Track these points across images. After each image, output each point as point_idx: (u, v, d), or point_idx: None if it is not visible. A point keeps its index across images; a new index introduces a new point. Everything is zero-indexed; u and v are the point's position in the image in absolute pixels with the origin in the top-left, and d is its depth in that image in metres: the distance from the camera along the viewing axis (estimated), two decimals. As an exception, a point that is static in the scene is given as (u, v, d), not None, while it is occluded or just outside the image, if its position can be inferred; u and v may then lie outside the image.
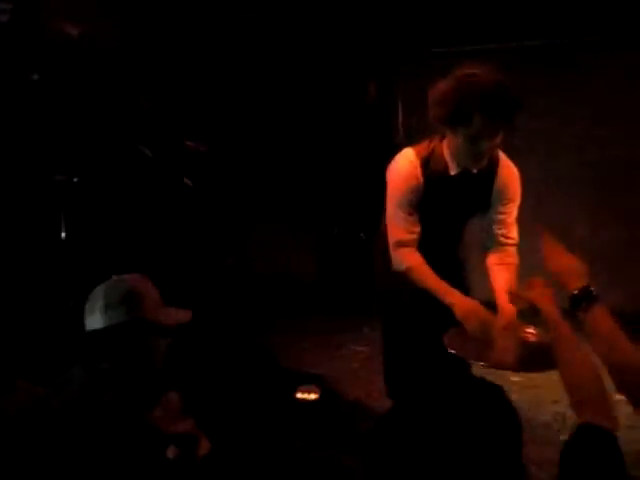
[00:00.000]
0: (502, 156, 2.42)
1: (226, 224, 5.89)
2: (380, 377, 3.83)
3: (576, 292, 1.51)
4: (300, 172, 5.93)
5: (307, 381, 2.94)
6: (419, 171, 2.33)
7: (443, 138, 2.36)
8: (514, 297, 2.02)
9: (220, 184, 5.85)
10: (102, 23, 4.49)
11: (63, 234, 4.06)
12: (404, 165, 2.36)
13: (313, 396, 2.71)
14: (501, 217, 2.43)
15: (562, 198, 5.20)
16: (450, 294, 2.24)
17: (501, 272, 2.39)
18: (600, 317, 1.45)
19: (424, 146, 2.40)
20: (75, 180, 4.07)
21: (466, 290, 2.43)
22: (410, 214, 2.35)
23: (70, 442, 1.49)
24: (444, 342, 2.08)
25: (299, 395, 2.62)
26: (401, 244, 2.36)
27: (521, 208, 2.51)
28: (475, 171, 2.31)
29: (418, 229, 2.38)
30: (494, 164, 2.39)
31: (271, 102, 5.84)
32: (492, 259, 2.44)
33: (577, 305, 1.51)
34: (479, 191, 2.41)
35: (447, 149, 2.32)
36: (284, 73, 5.75)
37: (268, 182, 5.99)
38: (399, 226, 2.36)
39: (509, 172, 2.42)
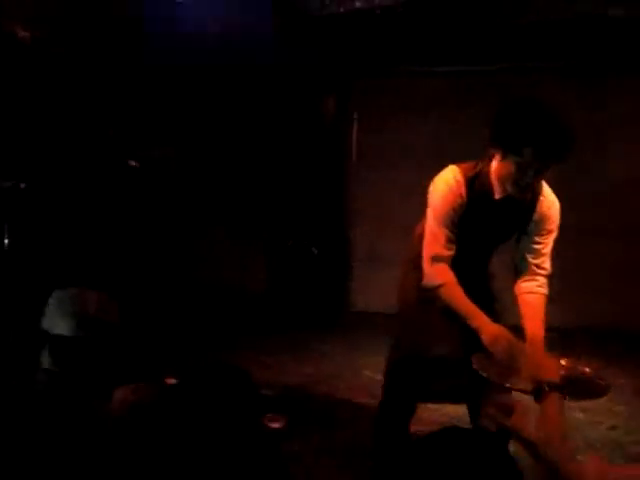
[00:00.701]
0: (545, 186, 2.42)
1: (177, 234, 5.82)
2: (327, 390, 3.87)
3: (546, 385, 1.60)
4: (256, 184, 5.93)
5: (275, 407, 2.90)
6: (464, 190, 2.34)
7: (491, 160, 2.35)
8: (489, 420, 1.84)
9: (174, 194, 5.79)
10: (59, 26, 4.40)
11: (6, 241, 3.93)
12: (450, 181, 2.35)
13: (278, 425, 2.66)
14: (537, 247, 2.42)
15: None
16: (479, 318, 2.21)
17: (531, 301, 2.38)
18: (551, 405, 1.53)
19: (471, 166, 2.41)
20: (22, 186, 3.95)
21: (493, 313, 2.38)
22: (450, 231, 2.34)
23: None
24: (472, 362, 2.06)
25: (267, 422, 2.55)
26: (437, 259, 2.34)
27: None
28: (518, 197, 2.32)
29: (455, 247, 2.36)
30: (537, 193, 2.39)
31: (228, 115, 5.83)
32: (523, 287, 2.42)
33: (539, 394, 1.62)
34: (518, 218, 2.42)
35: (494, 173, 2.33)
36: (242, 87, 5.75)
37: (223, 193, 5.95)
38: (438, 241, 2.34)
39: (550, 203, 2.42)
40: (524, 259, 2.44)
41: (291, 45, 5.49)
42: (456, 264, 2.36)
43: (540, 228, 2.41)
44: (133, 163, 5.18)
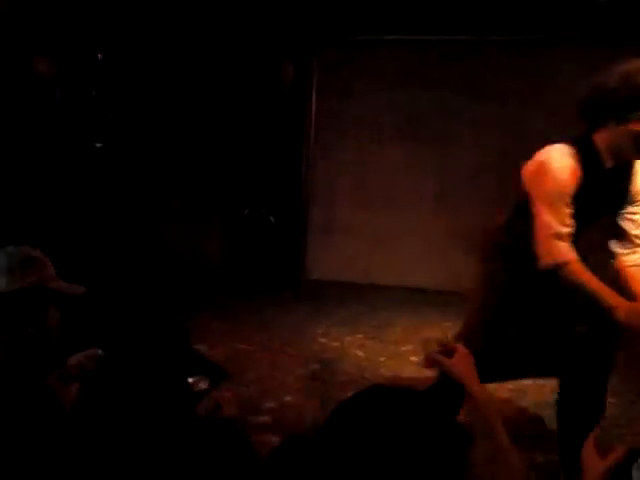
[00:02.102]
0: None
1: (134, 203, 5.70)
2: (279, 358, 3.88)
3: None
4: (212, 151, 5.83)
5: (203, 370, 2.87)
6: (577, 164, 2.31)
7: (592, 132, 2.33)
8: (429, 359, 1.79)
9: (130, 164, 5.65)
10: None
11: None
12: (563, 158, 2.31)
13: (203, 386, 2.63)
14: (637, 217, 2.41)
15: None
16: (612, 296, 2.17)
17: (637, 275, 2.35)
18: None
19: (572, 142, 2.37)
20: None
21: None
22: (569, 208, 2.31)
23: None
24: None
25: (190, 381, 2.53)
26: (559, 237, 2.29)
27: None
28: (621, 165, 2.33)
29: (573, 224, 2.32)
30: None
31: (185, 81, 5.68)
32: (626, 261, 2.40)
33: None
34: (623, 187, 2.41)
35: (604, 142, 2.31)
36: (199, 52, 5.60)
37: (178, 161, 5.84)
38: (557, 219, 2.30)
39: None
40: (625, 230, 2.43)
41: (250, 10, 5.37)
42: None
43: None
44: (98, 145, 5.07)
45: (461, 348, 1.40)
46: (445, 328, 4.55)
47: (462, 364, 1.35)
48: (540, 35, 5.16)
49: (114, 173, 5.56)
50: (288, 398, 3.29)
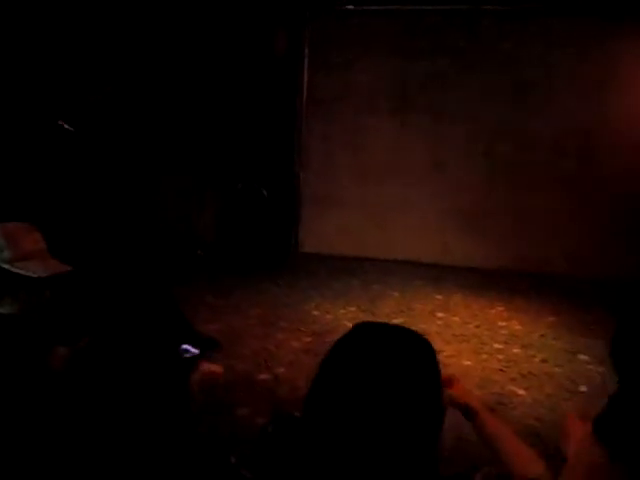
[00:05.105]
0: None
1: (128, 179, 5.65)
2: (273, 331, 3.90)
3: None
4: (205, 125, 5.77)
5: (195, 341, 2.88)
6: None
7: None
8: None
9: (125, 139, 5.59)
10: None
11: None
12: None
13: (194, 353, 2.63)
14: None
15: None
16: None
17: None
18: None
19: None
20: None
21: None
22: None
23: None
24: None
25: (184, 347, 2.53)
26: None
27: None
28: None
29: None
30: None
31: (177, 55, 5.60)
32: None
33: None
34: None
35: None
36: (191, 24, 5.51)
37: (170, 135, 5.78)
38: None
39: None
40: None
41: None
42: None
43: None
44: (66, 126, 5.01)
45: (454, 377, 1.48)
46: (437, 301, 4.60)
47: (461, 389, 1.46)
48: (535, 4, 5.11)
49: (108, 149, 5.51)
50: (282, 370, 3.32)
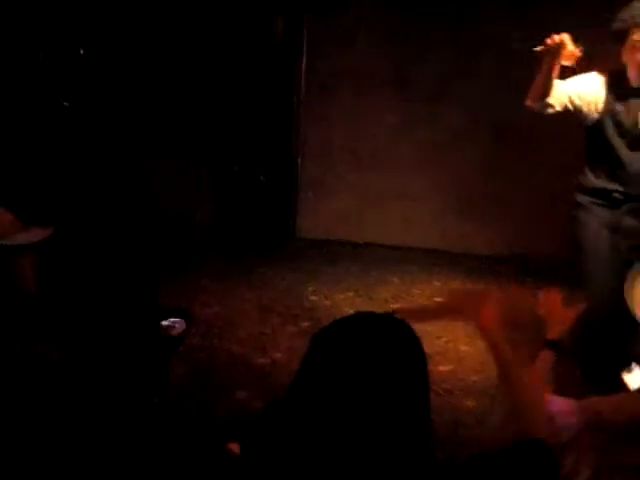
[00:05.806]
0: None
1: (122, 162, 5.62)
2: (270, 316, 3.90)
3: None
4: (202, 108, 5.73)
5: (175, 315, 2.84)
6: None
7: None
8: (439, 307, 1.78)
9: (121, 120, 5.55)
10: None
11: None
12: None
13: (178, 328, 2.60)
14: None
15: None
16: None
17: None
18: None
19: None
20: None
21: None
22: None
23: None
24: None
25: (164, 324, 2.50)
26: None
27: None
28: None
29: None
30: None
31: (173, 38, 5.54)
32: None
33: None
34: None
35: None
36: (189, 7, 5.45)
37: (167, 118, 5.74)
38: None
39: None
40: None
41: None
42: None
43: None
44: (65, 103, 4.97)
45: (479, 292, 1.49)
46: (435, 287, 4.59)
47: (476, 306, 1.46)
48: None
49: (101, 130, 5.47)
50: (279, 355, 3.32)
